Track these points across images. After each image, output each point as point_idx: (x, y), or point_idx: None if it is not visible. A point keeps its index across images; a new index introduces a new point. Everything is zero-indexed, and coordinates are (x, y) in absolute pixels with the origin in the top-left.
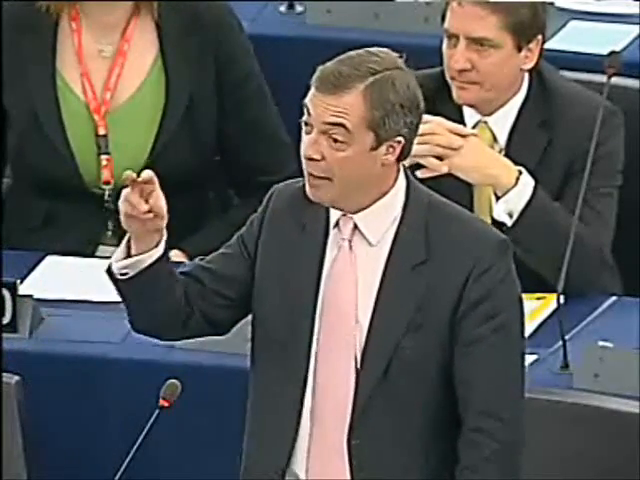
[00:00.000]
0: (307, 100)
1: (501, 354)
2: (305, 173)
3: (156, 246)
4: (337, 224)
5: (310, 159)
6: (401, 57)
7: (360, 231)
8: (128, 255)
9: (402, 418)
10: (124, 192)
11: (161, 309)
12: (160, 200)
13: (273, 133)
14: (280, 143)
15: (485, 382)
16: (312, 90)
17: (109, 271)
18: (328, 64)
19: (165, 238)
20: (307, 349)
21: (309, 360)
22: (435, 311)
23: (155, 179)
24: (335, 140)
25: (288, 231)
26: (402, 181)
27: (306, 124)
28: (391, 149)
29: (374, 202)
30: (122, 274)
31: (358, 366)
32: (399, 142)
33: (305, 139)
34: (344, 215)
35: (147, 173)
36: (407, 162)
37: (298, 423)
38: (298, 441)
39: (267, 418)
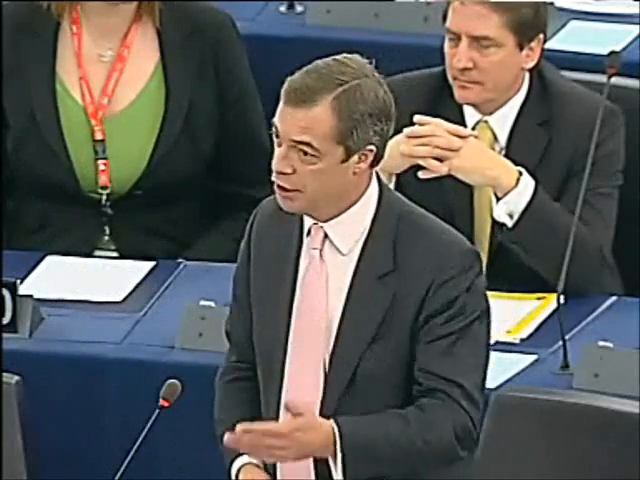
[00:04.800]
0: (276, 116)
1: (464, 350)
2: (275, 186)
3: None
4: (309, 232)
5: (281, 173)
6: (370, 63)
7: (330, 240)
8: None
9: None
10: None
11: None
12: None
13: (264, 147)
14: (269, 157)
15: (447, 372)
16: (280, 104)
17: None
18: (295, 75)
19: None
20: (282, 358)
21: (284, 368)
22: (399, 321)
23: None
24: (305, 153)
25: (270, 246)
26: (374, 188)
27: (277, 136)
28: (363, 157)
29: (345, 210)
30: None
31: (326, 374)
32: (371, 150)
33: (276, 153)
34: (315, 224)
35: None
36: (407, 164)
37: None
38: None
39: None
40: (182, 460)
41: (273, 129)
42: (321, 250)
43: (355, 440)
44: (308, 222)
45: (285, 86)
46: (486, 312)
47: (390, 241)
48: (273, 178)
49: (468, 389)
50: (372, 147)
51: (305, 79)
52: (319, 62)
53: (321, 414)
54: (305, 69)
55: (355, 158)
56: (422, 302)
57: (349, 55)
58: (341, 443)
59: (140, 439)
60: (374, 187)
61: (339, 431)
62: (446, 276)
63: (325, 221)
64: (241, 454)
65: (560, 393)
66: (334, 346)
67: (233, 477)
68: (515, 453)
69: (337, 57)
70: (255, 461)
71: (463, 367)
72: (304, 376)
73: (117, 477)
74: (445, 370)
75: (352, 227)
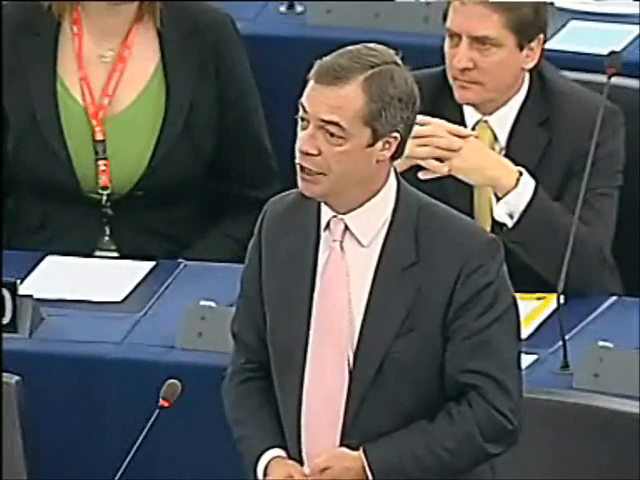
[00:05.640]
0: (304, 97)
1: (499, 343)
2: (298, 168)
3: None
4: (328, 226)
5: (306, 154)
6: (397, 54)
7: (351, 232)
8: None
9: (395, 417)
10: None
11: None
12: None
13: (265, 147)
14: (269, 158)
15: (483, 367)
16: (310, 83)
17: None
18: (326, 58)
19: None
20: (303, 353)
21: (305, 364)
22: (426, 313)
23: None
24: (332, 135)
25: (283, 244)
26: (393, 181)
27: (302, 119)
28: (387, 145)
29: (365, 202)
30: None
31: (351, 369)
32: (395, 138)
33: (301, 134)
34: (334, 216)
35: None
36: (408, 164)
37: (299, 426)
38: (302, 444)
39: (282, 419)
40: (182, 460)
41: (300, 110)
42: (341, 242)
43: (384, 466)
44: (326, 216)
45: (315, 68)
46: (514, 302)
47: (412, 232)
48: (297, 160)
49: (504, 383)
50: (397, 135)
51: (337, 60)
52: (350, 47)
53: (346, 408)
54: (336, 52)
55: (380, 145)
56: (451, 294)
57: (378, 45)
58: (371, 469)
59: (140, 439)
60: (393, 181)
61: (367, 458)
62: (474, 265)
63: (345, 213)
64: (266, 449)
65: (560, 393)
66: (358, 341)
67: (260, 473)
68: (515, 453)
69: (367, 44)
70: (283, 454)
71: (499, 361)
72: (327, 371)
73: (117, 477)
74: (482, 366)
75: (373, 219)
